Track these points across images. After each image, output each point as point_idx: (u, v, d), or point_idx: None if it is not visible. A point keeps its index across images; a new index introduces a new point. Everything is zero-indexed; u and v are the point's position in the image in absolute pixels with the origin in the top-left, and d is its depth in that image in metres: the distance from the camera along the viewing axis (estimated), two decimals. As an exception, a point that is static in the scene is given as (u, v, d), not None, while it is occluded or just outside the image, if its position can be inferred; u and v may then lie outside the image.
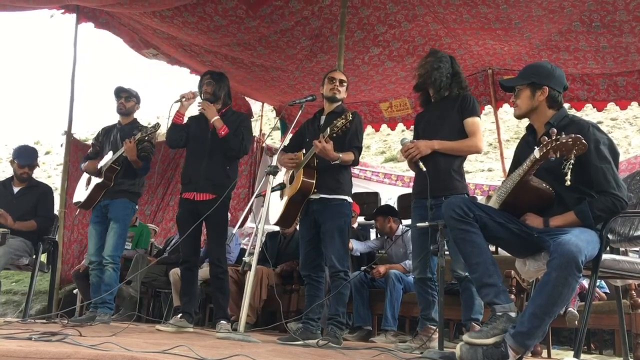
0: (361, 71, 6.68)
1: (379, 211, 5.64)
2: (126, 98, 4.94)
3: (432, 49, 3.98)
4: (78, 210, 5.62)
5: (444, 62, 3.71)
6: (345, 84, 4.05)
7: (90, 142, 6.21)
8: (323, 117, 4.05)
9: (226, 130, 4.31)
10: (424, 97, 3.87)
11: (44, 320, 4.48)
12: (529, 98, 2.74)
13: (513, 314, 2.44)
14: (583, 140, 2.25)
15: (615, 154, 2.60)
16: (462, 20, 5.59)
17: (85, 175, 5.01)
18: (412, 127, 7.84)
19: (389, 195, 7.58)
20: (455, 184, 3.55)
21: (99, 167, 4.79)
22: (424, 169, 3.48)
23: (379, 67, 6.59)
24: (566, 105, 6.71)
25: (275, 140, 11.20)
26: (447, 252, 3.33)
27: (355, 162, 3.94)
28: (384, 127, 8.05)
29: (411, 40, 6.11)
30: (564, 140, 2.27)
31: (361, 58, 6.45)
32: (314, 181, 3.84)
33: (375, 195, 7.11)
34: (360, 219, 6.61)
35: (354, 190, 7.11)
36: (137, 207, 7.04)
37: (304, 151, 3.96)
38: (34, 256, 4.83)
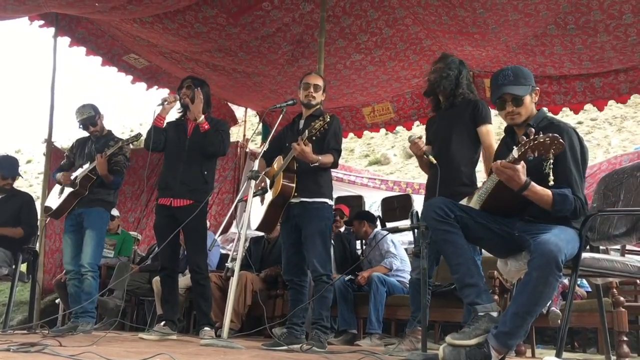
0: (343, 75, 6.68)
1: (356, 216, 5.84)
2: (92, 123, 4.88)
3: (444, 53, 3.99)
4: (48, 218, 5.55)
5: (452, 69, 3.71)
6: (320, 88, 4.03)
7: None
8: (302, 122, 4.05)
9: (208, 125, 4.30)
10: (435, 102, 3.87)
11: (25, 331, 4.42)
12: (530, 102, 2.75)
13: (495, 314, 2.45)
14: (560, 140, 2.26)
15: (585, 163, 2.63)
16: (441, 22, 5.62)
17: (58, 185, 4.94)
18: (395, 130, 7.90)
19: (373, 199, 7.60)
20: (463, 189, 3.48)
21: (72, 177, 4.74)
22: (434, 161, 3.50)
23: (360, 71, 6.60)
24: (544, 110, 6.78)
25: (259, 144, 11.18)
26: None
27: (335, 165, 3.93)
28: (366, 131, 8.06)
29: (393, 47, 6.13)
30: (541, 140, 2.27)
31: (343, 63, 6.46)
32: (294, 185, 3.83)
33: (359, 199, 7.13)
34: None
35: (339, 194, 7.17)
36: (118, 214, 7.03)
37: (280, 158, 3.96)
38: (14, 266, 4.76)
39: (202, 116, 4.30)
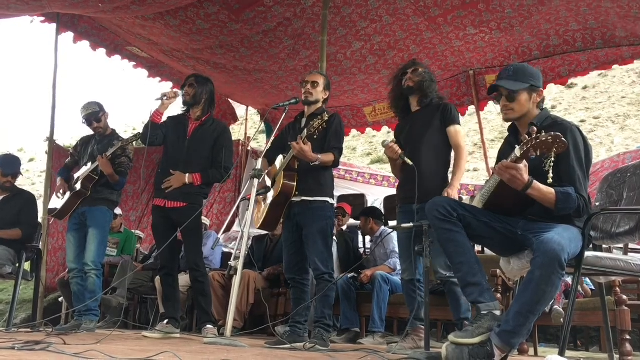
0: (344, 67, 6.66)
1: (362, 212, 5.87)
2: (96, 119, 4.87)
3: (413, 59, 4.06)
4: (52, 219, 5.55)
5: (433, 75, 3.85)
6: (319, 85, 4.03)
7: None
8: (304, 120, 4.06)
9: (198, 178, 4.27)
10: (402, 108, 3.91)
11: (29, 329, 4.42)
12: (527, 101, 2.73)
13: (498, 312, 2.46)
14: (563, 139, 2.25)
15: (589, 161, 2.62)
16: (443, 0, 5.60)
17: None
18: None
19: (376, 196, 7.61)
20: (438, 190, 3.57)
21: (75, 177, 4.74)
22: (411, 162, 3.55)
23: (361, 63, 6.58)
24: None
25: (261, 143, 11.20)
26: None
27: (336, 164, 3.94)
28: (369, 129, 8.09)
29: (392, 35, 6.13)
30: (543, 139, 2.27)
31: (343, 53, 6.44)
32: (295, 184, 3.84)
33: (361, 197, 7.14)
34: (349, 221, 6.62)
35: (341, 192, 7.17)
36: (121, 212, 7.04)
37: (281, 157, 3.96)
38: (17, 264, 4.77)
39: (185, 178, 4.25)
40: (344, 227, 6.08)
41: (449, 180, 3.73)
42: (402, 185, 3.84)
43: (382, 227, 5.64)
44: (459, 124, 3.75)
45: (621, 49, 5.86)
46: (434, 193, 3.44)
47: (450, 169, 3.78)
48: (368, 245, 6.65)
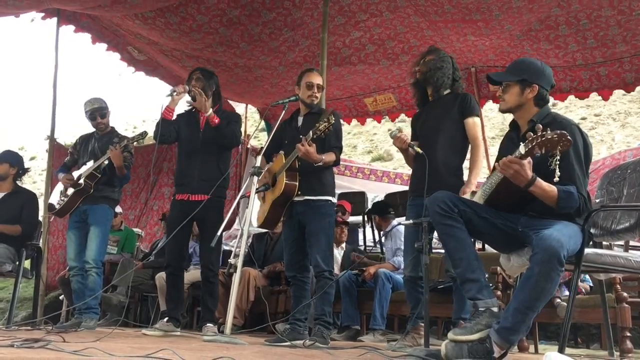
0: (343, 55, 6.59)
1: (373, 209, 5.94)
2: (102, 115, 4.87)
3: (433, 47, 4.01)
4: (52, 217, 5.54)
5: (446, 63, 3.75)
6: (322, 88, 4.06)
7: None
8: (300, 118, 4.04)
9: (218, 119, 4.26)
10: (420, 96, 3.87)
11: (29, 327, 4.43)
12: (518, 95, 2.72)
13: (495, 309, 2.45)
14: (568, 137, 2.24)
15: (588, 160, 2.61)
16: (444, 12, 5.59)
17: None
18: (396, 120, 7.90)
19: (376, 192, 7.61)
20: (451, 182, 3.54)
21: (77, 176, 4.74)
22: (420, 151, 3.51)
23: (360, 51, 6.53)
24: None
25: (262, 140, 11.18)
26: (442, 250, 3.33)
27: (337, 162, 3.94)
28: (369, 127, 8.09)
29: (393, 28, 6.11)
30: (549, 136, 2.26)
31: (342, 41, 6.38)
32: (297, 183, 3.83)
33: (362, 195, 7.14)
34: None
35: (342, 189, 7.15)
36: (121, 211, 7.05)
37: (283, 154, 3.95)
38: (18, 262, 4.77)
39: (211, 110, 4.26)
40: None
41: (464, 173, 3.69)
42: (413, 176, 3.81)
43: (393, 222, 5.60)
44: (477, 115, 3.71)
45: (623, 67, 5.85)
46: (447, 184, 3.38)
47: (465, 163, 3.73)
48: (369, 242, 6.66)
